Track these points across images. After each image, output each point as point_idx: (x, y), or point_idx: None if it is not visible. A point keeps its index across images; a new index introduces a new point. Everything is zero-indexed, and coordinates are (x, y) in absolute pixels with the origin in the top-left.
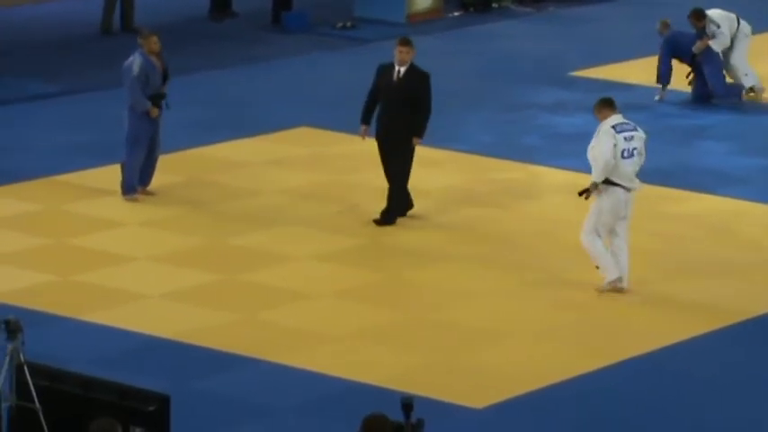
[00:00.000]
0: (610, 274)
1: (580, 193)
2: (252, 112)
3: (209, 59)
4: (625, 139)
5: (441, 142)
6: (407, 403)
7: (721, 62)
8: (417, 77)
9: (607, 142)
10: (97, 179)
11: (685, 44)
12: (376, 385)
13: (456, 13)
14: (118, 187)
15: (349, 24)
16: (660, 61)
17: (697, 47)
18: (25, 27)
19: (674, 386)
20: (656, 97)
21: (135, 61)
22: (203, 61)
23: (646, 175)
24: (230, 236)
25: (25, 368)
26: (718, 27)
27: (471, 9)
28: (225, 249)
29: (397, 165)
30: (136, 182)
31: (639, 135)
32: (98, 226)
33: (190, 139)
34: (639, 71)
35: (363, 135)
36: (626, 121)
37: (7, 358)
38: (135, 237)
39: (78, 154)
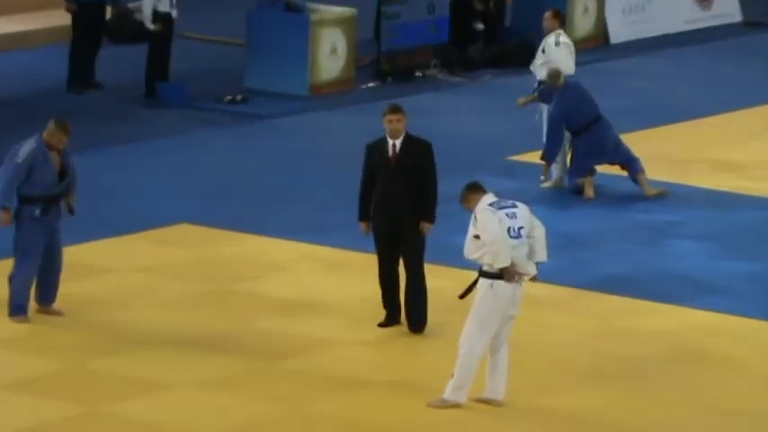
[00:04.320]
0: (456, 394)
1: (461, 296)
2: (120, 206)
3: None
4: (507, 216)
5: (350, 242)
6: None
7: (604, 139)
8: (418, 149)
9: (491, 220)
10: None
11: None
12: None
13: (370, 84)
14: None
15: (239, 98)
16: (549, 129)
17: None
18: None
19: None
20: (542, 181)
21: (25, 146)
22: None
23: (602, 283)
24: (93, 358)
25: None
26: (556, 44)
27: (389, 79)
28: (86, 375)
29: (412, 258)
30: (26, 301)
31: (522, 212)
32: None
33: None
34: None
35: (366, 233)
36: (501, 199)
37: None
38: None
39: None
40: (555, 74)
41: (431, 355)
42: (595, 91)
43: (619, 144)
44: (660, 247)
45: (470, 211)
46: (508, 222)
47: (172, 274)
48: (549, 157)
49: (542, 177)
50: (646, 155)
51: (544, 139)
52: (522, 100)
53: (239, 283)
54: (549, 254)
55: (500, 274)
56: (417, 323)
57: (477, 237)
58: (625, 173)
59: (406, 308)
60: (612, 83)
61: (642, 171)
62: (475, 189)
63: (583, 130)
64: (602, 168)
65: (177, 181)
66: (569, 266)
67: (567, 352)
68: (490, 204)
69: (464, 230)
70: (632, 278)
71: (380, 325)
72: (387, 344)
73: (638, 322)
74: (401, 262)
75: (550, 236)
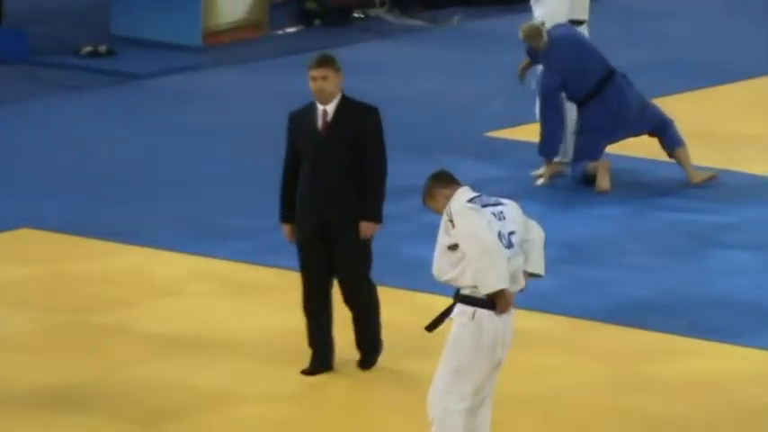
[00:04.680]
0: None
1: (429, 327)
2: None
3: None
4: (495, 216)
5: (262, 255)
6: None
7: (621, 101)
8: (358, 117)
9: (476, 219)
10: None
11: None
12: None
13: (290, 30)
14: None
15: (103, 49)
16: (542, 108)
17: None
18: None
19: None
20: (538, 179)
21: None
22: None
23: (620, 312)
24: None
25: None
26: None
27: (317, 22)
28: None
29: (352, 271)
30: None
31: (512, 211)
32: None
33: None
34: None
35: (291, 237)
36: (481, 194)
37: None
38: None
39: None
40: (532, 31)
41: (380, 416)
42: (611, 40)
43: (645, 107)
44: (703, 259)
45: (437, 211)
46: (497, 225)
47: (8, 300)
48: (546, 148)
49: (538, 174)
50: (681, 129)
51: (538, 118)
52: (521, 70)
53: (104, 313)
54: (546, 269)
55: (488, 301)
56: (366, 361)
57: (452, 247)
58: (653, 152)
59: (356, 334)
60: (635, 28)
61: (682, 143)
62: (445, 180)
63: (592, 96)
64: (619, 146)
65: (14, 167)
66: (573, 288)
67: (570, 409)
68: (469, 201)
69: (425, 238)
70: (663, 305)
71: (305, 372)
72: (314, 398)
73: (671, 368)
74: (335, 281)
75: (548, 245)
